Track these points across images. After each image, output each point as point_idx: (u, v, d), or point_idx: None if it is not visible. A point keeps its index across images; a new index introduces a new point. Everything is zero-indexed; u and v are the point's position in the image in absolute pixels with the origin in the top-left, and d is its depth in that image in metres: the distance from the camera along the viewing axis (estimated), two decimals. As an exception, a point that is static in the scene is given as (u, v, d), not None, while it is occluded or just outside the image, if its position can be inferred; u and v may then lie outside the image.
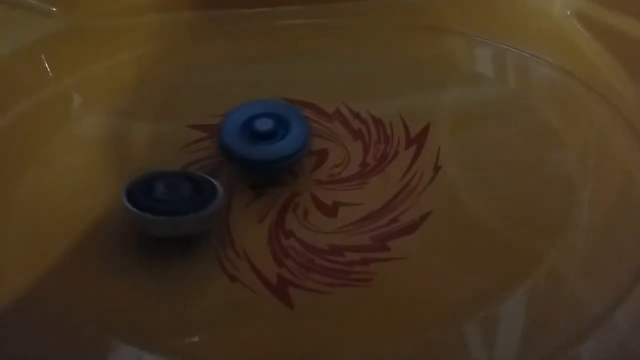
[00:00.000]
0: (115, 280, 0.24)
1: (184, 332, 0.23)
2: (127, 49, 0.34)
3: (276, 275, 0.24)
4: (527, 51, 0.33)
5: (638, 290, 0.23)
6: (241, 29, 0.36)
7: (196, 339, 0.23)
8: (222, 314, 0.23)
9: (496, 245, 0.25)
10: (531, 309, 0.23)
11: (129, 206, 0.23)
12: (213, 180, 0.25)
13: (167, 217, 0.23)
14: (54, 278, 0.24)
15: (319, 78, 0.32)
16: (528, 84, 0.34)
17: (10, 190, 0.27)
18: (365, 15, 0.36)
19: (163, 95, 0.32)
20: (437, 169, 0.28)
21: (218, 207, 0.24)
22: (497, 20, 0.35)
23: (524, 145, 0.29)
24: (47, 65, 0.33)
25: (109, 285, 0.24)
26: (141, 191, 0.24)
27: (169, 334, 0.23)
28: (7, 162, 0.28)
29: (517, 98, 0.32)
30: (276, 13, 0.36)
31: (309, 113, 0.31)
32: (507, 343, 0.23)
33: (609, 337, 0.22)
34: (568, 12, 0.35)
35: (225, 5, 0.36)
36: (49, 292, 0.24)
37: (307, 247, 0.25)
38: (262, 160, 0.26)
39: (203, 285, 0.24)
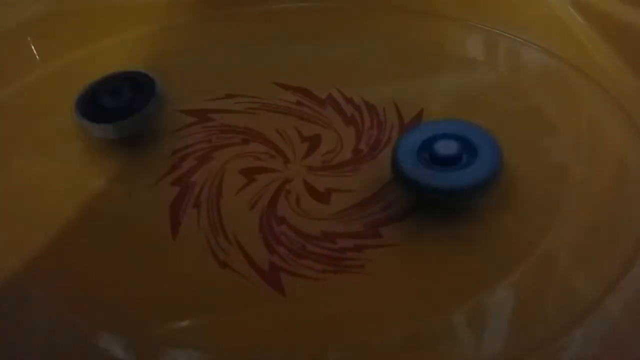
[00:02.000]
0: (103, 265, 0.24)
1: (174, 319, 0.23)
2: (117, 32, 0.33)
3: (268, 262, 0.24)
4: (522, 37, 0.33)
5: (630, 277, 0.23)
6: (233, 13, 0.35)
7: (186, 325, 0.23)
8: (213, 301, 0.23)
9: (487, 232, 0.25)
10: (523, 297, 0.23)
11: (79, 117, 0.27)
12: (153, 77, 0.28)
13: (110, 123, 0.26)
14: (40, 263, 0.24)
15: (312, 63, 0.32)
16: (522, 70, 0.33)
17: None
18: (358, 0, 0.35)
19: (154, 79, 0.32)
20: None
21: (156, 105, 0.27)
22: (492, 6, 0.35)
23: (517, 132, 0.29)
24: (33, 48, 0.33)
25: (95, 270, 0.24)
26: (89, 102, 0.27)
27: (159, 321, 0.23)
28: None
29: (511, 84, 0.31)
30: (268, -3, 0.36)
31: (301, 98, 0.30)
32: (498, 330, 0.23)
33: (601, 323, 0.22)
34: (564, -1, 0.35)
35: (216, -13, 0.35)
36: (36, 277, 0.23)
37: (299, 234, 0.25)
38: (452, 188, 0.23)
39: (193, 272, 0.24)
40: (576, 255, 0.25)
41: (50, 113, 0.30)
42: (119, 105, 0.27)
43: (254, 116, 0.30)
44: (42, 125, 0.29)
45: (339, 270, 0.24)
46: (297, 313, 0.23)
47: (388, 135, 0.29)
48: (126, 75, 0.28)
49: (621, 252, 0.24)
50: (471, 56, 0.34)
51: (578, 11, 0.34)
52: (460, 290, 0.23)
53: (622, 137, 0.28)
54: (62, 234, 0.25)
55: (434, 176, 0.24)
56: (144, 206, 0.26)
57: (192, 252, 0.24)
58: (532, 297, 0.23)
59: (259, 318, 0.23)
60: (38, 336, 0.22)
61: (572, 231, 0.25)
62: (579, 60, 0.31)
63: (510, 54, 0.33)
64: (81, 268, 0.24)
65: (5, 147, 0.28)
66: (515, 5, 0.35)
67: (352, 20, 0.35)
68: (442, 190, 0.24)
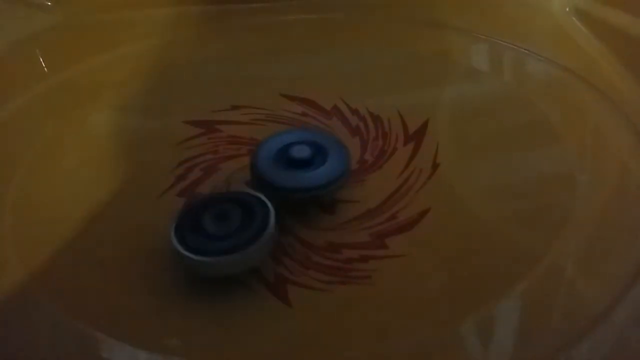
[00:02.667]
0: (108, 274, 0.24)
1: (179, 329, 0.23)
2: (124, 45, 0.34)
3: (274, 273, 0.24)
4: (525, 48, 0.33)
5: (638, 287, 0.23)
6: (238, 25, 0.35)
7: (190, 336, 0.23)
8: (218, 312, 0.23)
9: (494, 243, 0.25)
10: (530, 307, 0.23)
11: (181, 249, 0.22)
12: (264, 199, 0.23)
13: (219, 257, 0.22)
14: (49, 277, 0.24)
15: (317, 74, 0.32)
16: (526, 80, 0.33)
17: (4, 186, 0.27)
18: (363, 11, 0.36)
19: (159, 90, 0.32)
20: (435, 166, 0.28)
21: (272, 234, 0.23)
22: (496, 17, 0.35)
23: (522, 142, 0.29)
24: (42, 60, 0.33)
25: (100, 279, 0.24)
26: (190, 227, 0.22)
27: (163, 331, 0.23)
28: (3, 156, 0.28)
29: (515, 95, 0.32)
30: (274, 9, 0.36)
31: (306, 109, 0.30)
32: (505, 340, 0.23)
33: (609, 333, 0.22)
34: (567, 9, 0.35)
35: (222, 0, 0.36)
36: (44, 291, 0.24)
37: (305, 245, 0.25)
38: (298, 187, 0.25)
39: (198, 283, 0.24)
40: (583, 265, 0.25)
41: (58, 124, 0.30)
42: (223, 232, 0.22)
43: (260, 127, 0.30)
44: (49, 136, 0.29)
45: (345, 281, 0.24)
46: (303, 324, 0.23)
47: (393, 146, 0.29)
48: (236, 196, 0.24)
49: (629, 261, 0.24)
50: (476, 67, 0.34)
51: (582, 22, 0.34)
52: (467, 301, 0.23)
53: (626, 145, 0.28)
54: (67, 243, 0.25)
55: (290, 178, 0.25)
56: (150, 217, 0.26)
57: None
58: (539, 307, 0.23)
59: (265, 329, 0.23)
60: (41, 342, 0.22)
61: (578, 241, 0.25)
62: (583, 70, 0.31)
63: (515, 64, 0.34)
64: (86, 277, 0.24)
65: (12, 157, 0.28)
66: (520, 16, 0.35)
67: (358, 32, 0.35)
68: (298, 189, 0.25)
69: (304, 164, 0.25)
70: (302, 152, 0.25)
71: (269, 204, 0.23)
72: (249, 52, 0.34)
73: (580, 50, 0.33)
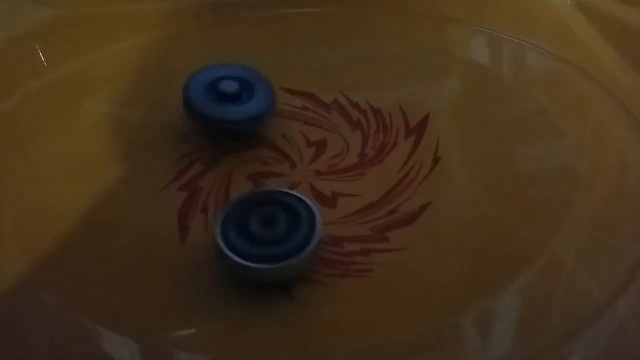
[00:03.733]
0: (110, 269, 0.24)
1: (182, 323, 0.23)
2: (124, 39, 0.34)
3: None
4: (526, 40, 0.33)
5: (638, 280, 0.23)
6: (238, 19, 0.35)
7: (194, 329, 0.23)
8: (221, 305, 0.23)
9: (495, 236, 0.25)
10: (530, 300, 0.23)
11: (229, 254, 0.21)
12: (310, 204, 0.23)
13: (268, 264, 0.21)
14: (47, 267, 0.24)
15: (317, 68, 0.32)
16: (527, 73, 0.33)
17: (5, 180, 0.27)
18: (363, 4, 0.36)
19: (159, 85, 0.32)
20: (436, 159, 0.28)
21: (318, 242, 0.22)
22: (497, 9, 0.35)
23: (523, 135, 0.29)
24: (41, 54, 0.33)
25: (103, 274, 0.24)
26: (236, 230, 0.22)
27: (166, 325, 0.23)
28: (2, 151, 0.28)
29: (516, 88, 0.32)
30: (273, 2, 0.36)
31: (307, 103, 0.30)
32: (506, 333, 0.23)
33: (609, 326, 0.22)
34: (568, 1, 0.35)
35: (221, -7, 0.36)
36: (46, 285, 0.24)
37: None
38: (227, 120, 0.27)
39: (201, 276, 0.24)
40: (584, 258, 0.25)
41: (57, 118, 0.30)
42: (271, 237, 0.22)
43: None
44: (49, 131, 0.29)
45: (347, 275, 0.24)
46: (305, 317, 0.23)
47: (394, 140, 0.29)
48: (281, 198, 0.23)
49: (630, 255, 0.24)
50: (477, 59, 0.34)
51: (583, 14, 0.34)
52: (468, 294, 0.23)
53: (627, 138, 0.28)
54: (69, 238, 0.25)
55: (219, 110, 0.27)
56: (152, 211, 0.26)
57: (200, 256, 0.24)
58: (540, 300, 0.23)
59: (267, 322, 0.23)
60: (43, 338, 0.22)
61: (579, 234, 0.25)
62: (585, 63, 0.31)
63: (516, 57, 0.34)
64: (88, 272, 0.24)
65: (12, 153, 0.28)
66: (521, 8, 0.35)
67: (358, 25, 0.35)
68: (227, 121, 0.27)
69: (232, 99, 0.27)
70: (231, 86, 0.27)
71: (314, 208, 0.23)
72: (250, 46, 0.34)
73: (581, 42, 0.33)
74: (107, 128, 0.30)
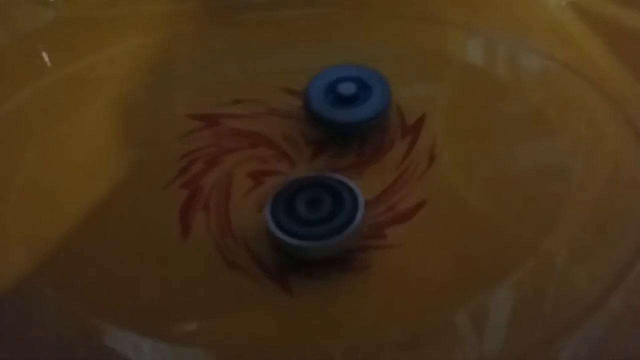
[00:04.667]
0: (113, 264, 0.24)
1: (183, 319, 0.23)
2: (126, 40, 0.34)
3: (275, 263, 0.24)
4: (522, 42, 0.33)
5: (631, 277, 0.23)
6: (239, 20, 0.36)
7: (195, 325, 0.23)
8: (222, 301, 0.24)
9: (490, 233, 0.25)
10: (525, 296, 0.24)
11: (279, 233, 0.23)
12: (354, 189, 0.24)
13: (316, 242, 0.23)
14: (52, 264, 0.24)
15: (317, 68, 0.32)
16: (522, 74, 0.34)
17: (9, 179, 0.27)
18: (361, 6, 0.36)
19: (161, 85, 0.32)
20: (432, 158, 0.28)
21: (359, 226, 0.24)
22: (492, 11, 0.35)
23: (518, 135, 0.29)
24: (44, 55, 0.33)
25: (106, 271, 0.24)
26: (284, 210, 0.24)
27: (168, 320, 0.23)
28: (6, 150, 0.28)
29: (511, 88, 0.32)
30: (275, 3, 0.36)
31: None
32: (501, 329, 0.23)
33: (603, 322, 0.23)
34: (563, 3, 0.35)
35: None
36: (49, 281, 0.24)
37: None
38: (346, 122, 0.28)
39: (203, 273, 0.24)
40: (577, 254, 0.25)
41: (62, 118, 0.30)
42: (315, 217, 0.23)
43: (261, 121, 0.30)
44: (53, 131, 0.30)
45: (345, 271, 0.24)
46: (304, 313, 0.23)
47: (392, 139, 0.29)
48: (326, 182, 0.25)
49: (623, 253, 0.24)
50: (472, 61, 0.34)
51: (578, 15, 0.34)
52: (463, 290, 0.24)
53: (621, 138, 0.29)
54: (73, 236, 0.25)
55: (339, 113, 0.28)
56: (154, 209, 0.26)
57: (202, 253, 0.25)
58: (533, 297, 0.24)
59: (266, 318, 0.23)
60: (48, 334, 0.23)
61: (573, 232, 0.25)
62: (579, 64, 0.31)
63: (511, 58, 0.34)
64: (92, 269, 0.24)
65: (17, 152, 0.28)
66: (516, 10, 0.36)
67: (356, 27, 0.35)
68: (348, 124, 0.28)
69: (351, 100, 0.28)
70: (349, 89, 0.28)
71: (358, 193, 0.24)
72: (250, 48, 0.34)
73: (576, 44, 0.33)
74: (110, 127, 0.30)
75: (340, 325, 0.23)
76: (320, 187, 0.25)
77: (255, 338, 0.22)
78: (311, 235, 0.23)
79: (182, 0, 0.36)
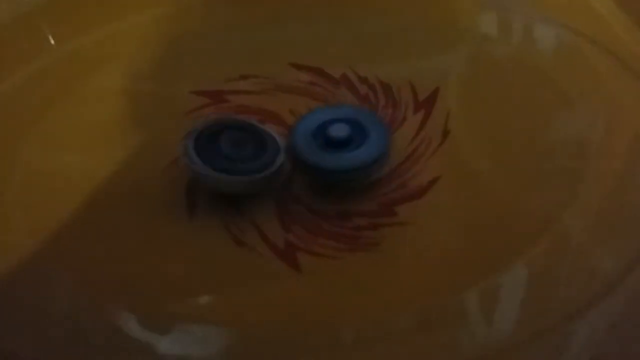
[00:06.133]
0: (120, 244, 0.24)
1: (191, 297, 0.23)
2: (131, 15, 0.33)
3: (284, 241, 0.24)
4: (538, 12, 0.33)
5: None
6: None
7: (203, 302, 0.23)
8: (229, 278, 0.23)
9: (505, 210, 0.25)
10: (539, 276, 0.23)
11: (196, 162, 0.24)
12: (277, 138, 0.25)
13: (233, 176, 0.24)
14: (58, 245, 0.24)
15: (325, 42, 0.32)
16: (539, 45, 0.33)
17: (13, 157, 0.27)
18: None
19: (166, 61, 0.32)
20: (445, 133, 0.27)
21: (277, 170, 0.24)
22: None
23: (533, 108, 0.28)
24: (47, 30, 0.33)
25: (113, 250, 0.24)
26: (206, 144, 0.24)
27: (176, 298, 0.23)
28: (7, 130, 0.28)
29: (526, 60, 0.31)
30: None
31: (314, 78, 0.30)
32: (516, 308, 0.23)
33: (620, 301, 0.22)
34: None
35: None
36: (54, 258, 0.24)
37: (315, 213, 0.25)
38: (337, 169, 0.24)
39: (210, 250, 0.24)
40: (595, 231, 0.24)
41: (67, 93, 0.30)
42: (241, 156, 0.24)
43: (268, 97, 0.29)
44: (56, 109, 0.29)
45: (355, 248, 0.24)
46: (313, 290, 0.23)
47: (403, 114, 0.28)
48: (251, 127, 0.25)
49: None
50: (486, 32, 0.33)
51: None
52: (477, 268, 0.23)
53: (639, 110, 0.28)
54: (79, 216, 0.25)
55: (328, 159, 0.24)
56: (160, 186, 0.26)
57: (209, 232, 0.24)
58: (549, 276, 0.23)
59: (274, 295, 0.23)
60: (57, 315, 0.23)
61: (590, 207, 0.25)
62: (597, 35, 0.30)
63: (526, 29, 0.33)
64: (99, 248, 0.24)
65: (20, 131, 0.28)
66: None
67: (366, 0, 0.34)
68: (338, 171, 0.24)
69: (342, 144, 0.24)
70: (340, 130, 0.24)
71: (279, 142, 0.25)
72: (257, 22, 0.33)
73: (594, 13, 0.32)
74: (116, 103, 0.29)
75: (349, 304, 0.22)
76: (244, 129, 0.25)
77: (264, 316, 0.22)
78: (234, 170, 0.24)
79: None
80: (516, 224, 0.24)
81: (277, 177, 0.25)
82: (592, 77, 0.30)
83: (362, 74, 0.30)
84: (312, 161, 0.24)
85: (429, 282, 0.23)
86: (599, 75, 0.30)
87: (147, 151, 0.28)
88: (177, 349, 0.22)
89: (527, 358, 0.21)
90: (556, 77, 0.29)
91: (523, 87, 0.30)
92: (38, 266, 0.23)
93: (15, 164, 0.27)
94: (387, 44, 0.32)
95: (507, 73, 0.30)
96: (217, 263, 0.24)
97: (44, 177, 0.27)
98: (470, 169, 0.27)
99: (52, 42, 0.33)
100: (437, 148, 0.27)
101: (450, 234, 0.24)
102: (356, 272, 0.23)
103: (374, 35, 0.31)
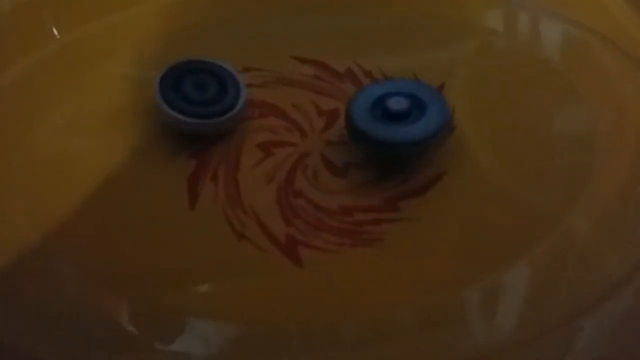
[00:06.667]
0: (121, 237, 0.24)
1: (192, 290, 0.23)
2: (135, 5, 0.33)
3: (285, 235, 0.24)
4: (545, 6, 0.32)
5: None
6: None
7: (204, 296, 0.23)
8: (230, 272, 0.23)
9: (510, 206, 0.25)
10: (545, 273, 0.23)
11: (162, 104, 0.26)
12: (239, 82, 0.27)
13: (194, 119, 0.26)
14: (59, 236, 0.24)
15: (330, 36, 0.31)
16: (546, 40, 0.33)
17: (16, 147, 0.27)
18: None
19: (169, 52, 0.31)
20: (451, 129, 0.27)
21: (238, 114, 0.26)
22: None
23: (540, 104, 0.28)
24: (51, 20, 0.33)
25: (114, 242, 0.24)
26: (171, 86, 0.26)
27: (176, 291, 0.23)
28: (11, 121, 0.28)
29: (534, 55, 0.31)
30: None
31: (318, 72, 0.30)
32: (517, 308, 0.23)
33: (628, 300, 0.22)
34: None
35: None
36: (55, 249, 0.24)
37: (317, 207, 0.25)
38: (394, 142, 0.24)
39: (211, 244, 0.24)
40: (603, 229, 0.24)
41: (69, 86, 0.30)
42: (205, 99, 0.26)
43: (271, 90, 0.29)
44: (60, 99, 0.29)
45: (357, 244, 0.23)
46: (314, 285, 0.23)
47: (408, 109, 0.28)
48: (208, 66, 0.27)
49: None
50: (494, 27, 0.33)
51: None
52: (481, 266, 0.23)
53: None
54: (80, 207, 0.25)
55: (386, 130, 0.24)
56: (161, 179, 0.26)
57: (209, 224, 0.24)
58: (557, 272, 0.23)
59: (275, 289, 0.23)
60: (57, 307, 0.22)
61: (598, 204, 0.24)
62: (605, 29, 0.30)
63: (534, 24, 0.33)
64: (100, 240, 0.24)
65: (24, 120, 0.28)
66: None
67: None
68: (395, 143, 0.25)
69: (401, 117, 0.25)
70: (399, 104, 0.25)
71: (240, 81, 0.27)
72: (260, 14, 0.33)
73: (603, 9, 0.32)
74: (119, 94, 0.29)
75: (350, 298, 0.22)
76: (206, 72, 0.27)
77: (264, 310, 0.22)
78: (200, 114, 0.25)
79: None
80: (521, 221, 0.24)
81: (239, 116, 0.27)
82: (600, 73, 0.30)
83: (366, 67, 0.30)
84: (371, 133, 0.24)
85: (431, 278, 0.23)
86: (607, 72, 0.30)
87: (149, 143, 0.27)
88: (176, 343, 0.22)
89: (529, 358, 0.21)
90: (564, 73, 0.29)
91: (530, 82, 0.29)
92: (39, 255, 0.23)
93: (18, 155, 0.27)
94: (392, 37, 0.31)
95: (514, 68, 0.30)
96: (218, 256, 0.24)
97: (47, 168, 0.27)
98: (475, 165, 0.26)
99: (58, 29, 0.32)
100: (442, 143, 0.26)
101: (453, 231, 0.24)
102: (358, 267, 0.23)
103: (379, 28, 0.31)
